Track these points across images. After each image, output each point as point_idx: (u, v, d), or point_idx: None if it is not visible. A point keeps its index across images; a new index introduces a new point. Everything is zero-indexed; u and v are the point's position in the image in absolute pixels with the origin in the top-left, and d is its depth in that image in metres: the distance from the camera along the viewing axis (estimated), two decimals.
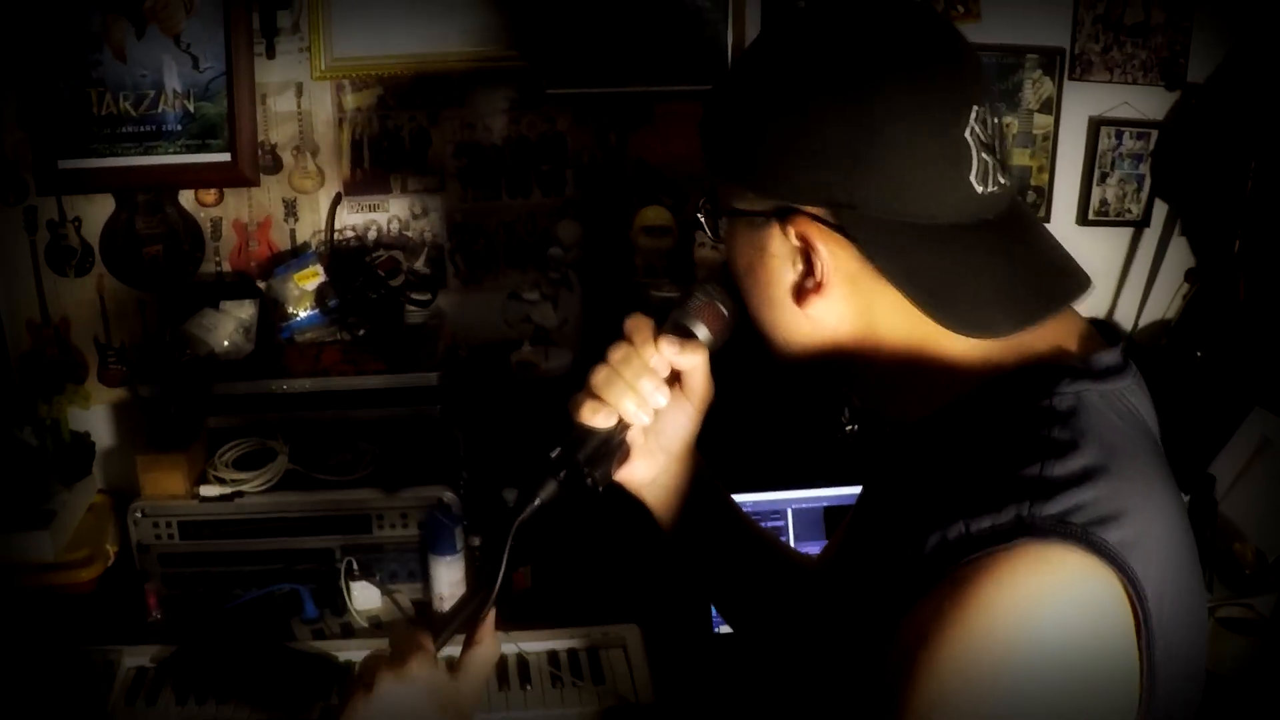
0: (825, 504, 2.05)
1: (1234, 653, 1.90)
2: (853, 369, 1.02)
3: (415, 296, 2.32)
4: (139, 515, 2.11)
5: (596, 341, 2.43)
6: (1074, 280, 0.97)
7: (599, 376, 1.11)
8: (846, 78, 0.91)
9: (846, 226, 0.93)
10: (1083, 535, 0.83)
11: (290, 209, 2.41)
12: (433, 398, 2.22)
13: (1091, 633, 0.84)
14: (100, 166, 2.33)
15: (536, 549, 2.20)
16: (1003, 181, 0.95)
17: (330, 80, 2.35)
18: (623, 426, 1.12)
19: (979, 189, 0.93)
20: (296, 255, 2.37)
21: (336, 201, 2.38)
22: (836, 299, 0.97)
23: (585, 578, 2.20)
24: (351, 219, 2.43)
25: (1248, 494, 2.16)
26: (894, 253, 0.93)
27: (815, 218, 0.94)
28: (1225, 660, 1.89)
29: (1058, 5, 2.51)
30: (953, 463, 0.94)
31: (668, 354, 1.11)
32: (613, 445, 1.13)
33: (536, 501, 1.08)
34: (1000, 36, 2.45)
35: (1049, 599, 0.83)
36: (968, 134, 0.91)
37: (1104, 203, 2.58)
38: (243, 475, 2.14)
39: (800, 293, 0.98)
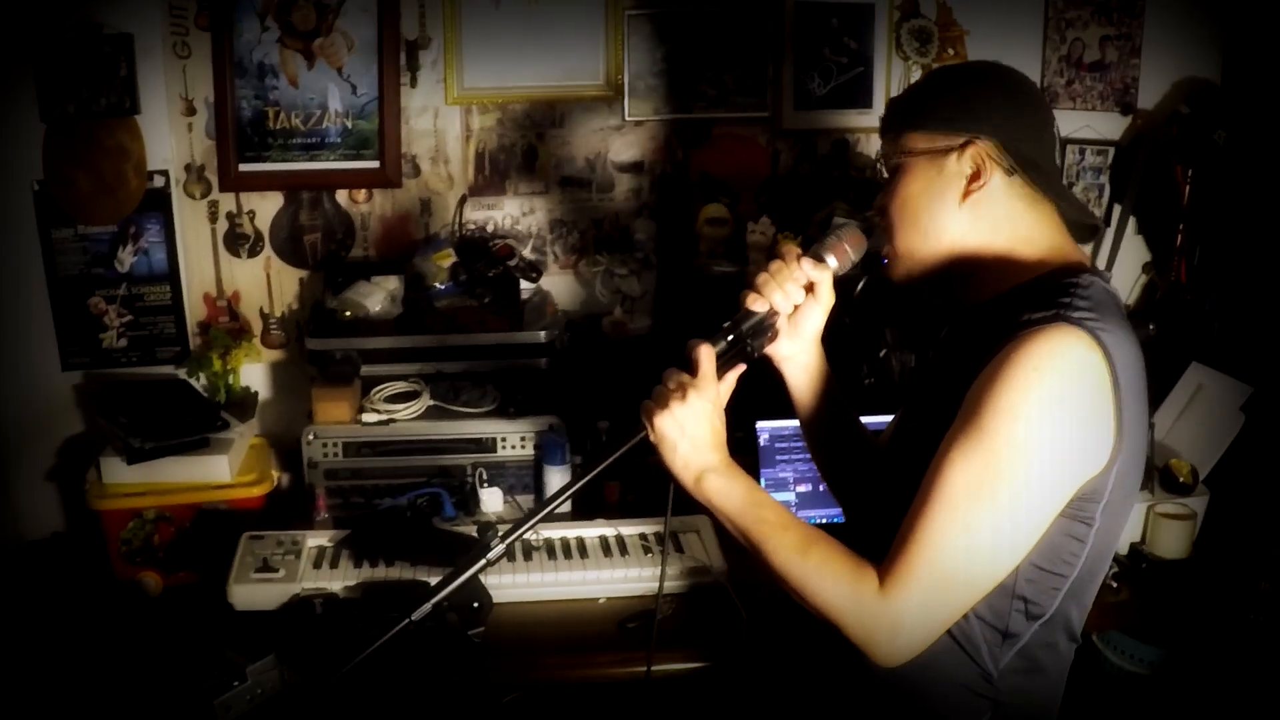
0: None
1: (1174, 534, 2.47)
2: (962, 265, 1.56)
3: (526, 275, 2.88)
4: (311, 437, 2.61)
5: (669, 309, 3.01)
6: (1098, 221, 1.66)
7: (760, 278, 1.62)
8: (1009, 79, 1.58)
9: (1007, 152, 1.52)
10: (1091, 331, 1.39)
11: (425, 207, 2.97)
12: (541, 352, 2.76)
13: (1093, 376, 1.39)
14: (273, 170, 2.90)
15: (627, 471, 2.66)
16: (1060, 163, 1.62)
17: (460, 105, 2.93)
18: (772, 314, 1.61)
19: (1058, 161, 1.57)
20: (429, 242, 2.90)
21: (463, 201, 2.95)
22: (984, 202, 1.53)
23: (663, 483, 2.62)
24: (474, 215, 2.99)
25: (1187, 426, 2.69)
26: (1035, 173, 1.52)
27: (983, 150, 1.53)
28: (1167, 542, 2.48)
29: (1029, 47, 3.09)
30: (1014, 311, 1.47)
31: (805, 268, 1.62)
32: (764, 326, 1.61)
33: (723, 344, 1.55)
34: None
35: (1071, 352, 1.38)
36: (1055, 128, 1.58)
37: None
38: (394, 407, 2.66)
39: (966, 194, 1.53)
